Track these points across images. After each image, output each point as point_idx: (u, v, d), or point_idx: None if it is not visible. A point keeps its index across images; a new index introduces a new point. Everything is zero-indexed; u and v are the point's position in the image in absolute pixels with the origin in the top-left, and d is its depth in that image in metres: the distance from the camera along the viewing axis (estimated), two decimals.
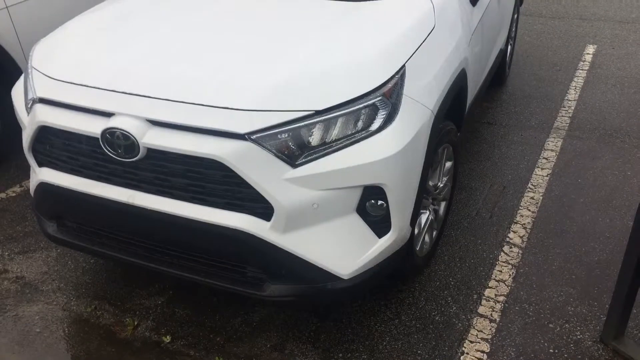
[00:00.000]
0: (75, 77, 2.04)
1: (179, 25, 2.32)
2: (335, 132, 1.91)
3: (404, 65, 2.09)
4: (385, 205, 2.02)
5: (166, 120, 1.86)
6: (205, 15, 2.41)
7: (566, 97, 4.45)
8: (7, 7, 3.41)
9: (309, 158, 1.88)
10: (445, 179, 2.65)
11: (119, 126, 1.86)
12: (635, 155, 3.60)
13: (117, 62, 2.07)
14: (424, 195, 2.36)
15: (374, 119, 1.96)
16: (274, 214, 1.87)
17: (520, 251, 2.79)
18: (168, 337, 2.32)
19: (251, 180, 1.82)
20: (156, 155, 1.89)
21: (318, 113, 1.88)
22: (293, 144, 1.87)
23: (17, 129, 2.36)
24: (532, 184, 3.34)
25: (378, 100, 1.96)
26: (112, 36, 2.26)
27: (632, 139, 3.81)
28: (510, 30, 4.36)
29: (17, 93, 2.33)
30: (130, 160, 1.90)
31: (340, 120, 1.91)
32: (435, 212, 2.68)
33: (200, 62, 2.02)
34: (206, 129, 1.83)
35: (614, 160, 3.56)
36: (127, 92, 1.94)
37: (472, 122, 3.95)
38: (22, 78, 2.38)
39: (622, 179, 3.36)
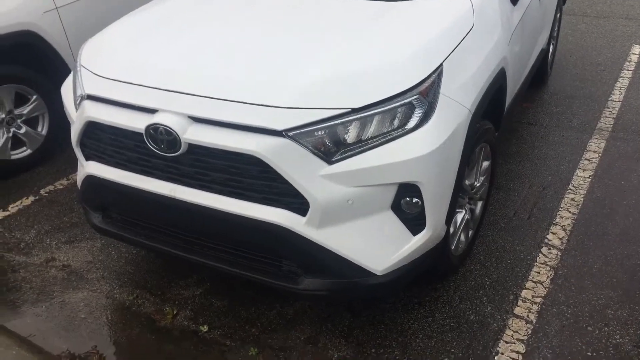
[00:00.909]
0: (121, 75, 2.13)
1: (219, 26, 2.39)
2: (371, 130, 1.93)
3: (441, 64, 2.09)
4: (420, 203, 2.03)
5: (206, 116, 1.92)
6: (244, 15, 2.47)
7: (610, 98, 4.32)
8: (56, 7, 3.56)
9: (345, 155, 1.90)
10: (482, 178, 2.63)
11: (162, 122, 1.93)
12: None
13: (161, 61, 2.15)
14: (460, 194, 2.35)
15: (411, 117, 1.97)
16: (310, 209, 1.90)
17: (559, 253, 2.74)
18: (205, 326, 2.38)
19: (288, 175, 1.86)
20: (197, 150, 1.95)
21: (354, 111, 1.90)
22: (329, 141, 1.90)
23: (64, 124, 2.47)
24: (573, 186, 3.27)
25: (414, 99, 1.97)
26: (156, 36, 2.34)
27: None
28: (552, 29, 4.27)
29: (67, 90, 2.44)
30: (172, 155, 1.97)
31: (376, 118, 1.93)
32: (472, 211, 2.66)
33: (239, 61, 2.08)
34: (245, 125, 1.88)
35: None
36: (170, 89, 2.01)
37: (511, 122, 3.89)
38: (71, 75, 2.49)
39: None
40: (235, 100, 1.92)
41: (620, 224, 2.92)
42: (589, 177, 3.34)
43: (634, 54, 5.17)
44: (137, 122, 2.00)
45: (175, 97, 1.99)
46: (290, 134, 1.86)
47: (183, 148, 1.95)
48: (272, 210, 1.93)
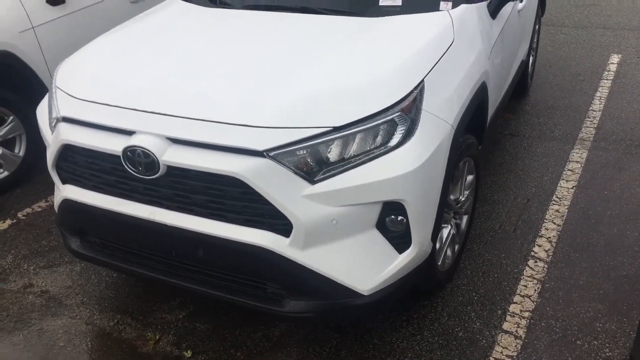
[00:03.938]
0: (98, 96, 2.09)
1: (198, 45, 2.36)
2: (353, 148, 1.90)
3: (422, 80, 2.08)
4: (405, 220, 2.00)
5: (185, 137, 1.88)
6: (223, 35, 2.45)
7: (591, 108, 4.37)
8: (33, 27, 3.51)
9: (328, 174, 1.88)
10: (467, 192, 2.62)
11: (140, 144, 1.89)
12: None
13: (138, 81, 2.11)
14: (445, 210, 2.33)
15: (393, 134, 1.95)
16: (293, 231, 1.87)
17: (546, 265, 2.73)
18: (189, 351, 2.32)
19: (270, 197, 1.82)
20: (176, 172, 1.91)
21: (336, 129, 1.88)
22: (311, 161, 1.87)
23: (43, 145, 2.41)
24: (557, 197, 3.27)
25: (397, 116, 1.95)
26: (134, 56, 2.31)
27: None
28: (532, 41, 4.31)
29: (42, 111, 2.39)
30: (151, 177, 1.93)
31: (358, 136, 1.91)
32: (457, 226, 2.64)
33: (219, 80, 2.05)
34: (225, 146, 1.84)
35: None
36: (148, 110, 1.97)
37: (494, 133, 3.90)
38: (46, 97, 2.43)
39: None
40: (215, 120, 1.89)
41: (605, 235, 2.92)
42: (572, 188, 3.35)
43: (612, 63, 5.24)
44: (114, 145, 1.96)
45: (153, 118, 1.95)
46: (272, 154, 1.83)
47: (162, 170, 1.90)
48: (254, 232, 1.89)
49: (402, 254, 2.05)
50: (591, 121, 4.16)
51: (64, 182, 2.20)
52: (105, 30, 2.73)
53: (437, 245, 2.36)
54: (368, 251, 2.00)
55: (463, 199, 2.59)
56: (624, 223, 3.01)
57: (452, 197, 2.46)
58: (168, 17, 2.76)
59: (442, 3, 2.58)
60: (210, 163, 1.84)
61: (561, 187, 3.37)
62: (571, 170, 3.53)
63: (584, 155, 3.70)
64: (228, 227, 1.91)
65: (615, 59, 5.34)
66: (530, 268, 2.71)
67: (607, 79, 4.89)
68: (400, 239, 2.04)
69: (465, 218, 2.70)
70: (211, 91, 2.00)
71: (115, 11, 3.91)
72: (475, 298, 2.54)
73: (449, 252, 2.55)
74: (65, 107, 2.14)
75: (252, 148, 1.83)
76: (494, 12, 2.82)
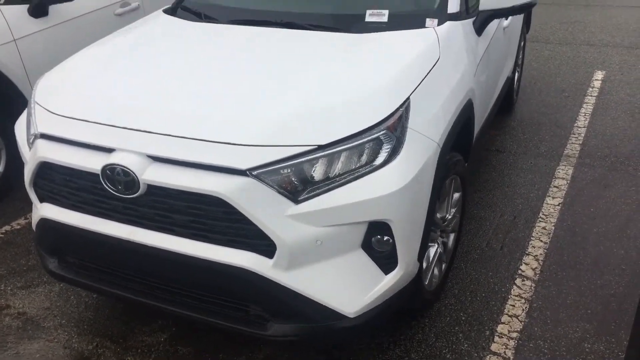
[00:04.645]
0: (77, 112, 2.04)
1: (180, 60, 2.32)
2: (338, 167, 1.87)
3: (408, 98, 2.06)
4: (391, 240, 1.97)
5: (167, 155, 1.84)
6: (207, 50, 2.42)
7: (576, 124, 4.39)
8: (14, 39, 3.45)
9: (312, 194, 1.84)
10: (453, 210, 2.59)
11: (119, 162, 1.84)
12: None
13: (119, 97, 2.07)
14: (431, 228, 2.30)
15: (378, 153, 1.92)
16: (277, 251, 1.82)
17: (533, 284, 2.70)
18: None
19: (253, 217, 1.78)
20: (156, 191, 1.86)
21: (321, 148, 1.85)
22: (296, 180, 1.83)
23: (22, 161, 2.35)
24: (543, 214, 3.27)
25: (382, 134, 1.93)
26: (114, 71, 2.26)
27: None
28: (517, 57, 4.34)
29: (20, 127, 2.33)
30: (131, 196, 1.87)
31: (343, 155, 1.87)
32: (444, 244, 2.61)
33: (201, 98, 2.01)
34: (207, 164, 1.80)
35: (627, 189, 3.48)
36: (128, 127, 1.92)
37: (480, 150, 3.90)
38: (25, 112, 2.38)
39: (636, 208, 3.28)
40: (197, 138, 1.85)
41: (592, 253, 2.91)
42: (558, 205, 3.34)
43: (596, 79, 5.30)
44: (93, 163, 1.90)
45: (134, 135, 1.90)
46: (255, 173, 1.79)
47: (142, 189, 1.85)
48: (237, 253, 1.84)
49: (388, 275, 2.01)
50: (576, 137, 4.18)
51: (41, 200, 2.14)
52: (89, 42, 2.69)
53: (424, 265, 2.33)
54: (354, 272, 1.96)
55: (450, 217, 2.56)
56: (610, 241, 3.00)
57: (438, 215, 2.43)
58: (152, 31, 2.72)
59: (428, 20, 2.57)
60: (192, 182, 1.80)
61: (547, 204, 3.36)
62: (557, 187, 3.53)
63: (570, 171, 3.71)
64: (210, 247, 1.86)
65: (599, 75, 5.40)
66: (518, 287, 2.69)
67: (591, 96, 4.93)
68: (386, 260, 2.00)
69: (452, 236, 2.67)
70: (194, 108, 1.96)
71: (99, 24, 3.87)
72: (463, 318, 2.50)
73: (436, 271, 2.52)
74: (43, 124, 2.08)
75: (234, 167, 1.78)
76: (479, 29, 2.82)
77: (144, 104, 2.01)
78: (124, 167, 1.83)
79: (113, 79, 2.21)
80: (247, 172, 1.78)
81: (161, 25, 2.75)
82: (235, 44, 2.47)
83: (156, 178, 1.83)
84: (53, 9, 3.61)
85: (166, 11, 2.97)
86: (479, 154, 3.89)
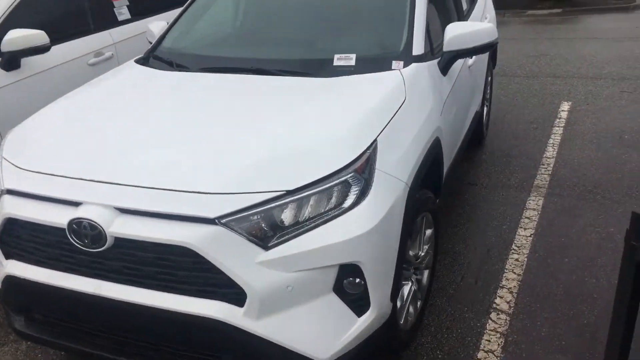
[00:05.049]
0: (44, 166, 2.03)
1: (150, 110, 2.35)
2: (308, 211, 1.89)
3: (375, 140, 2.11)
4: (362, 282, 1.98)
5: (134, 207, 1.84)
6: (178, 98, 2.45)
7: (545, 155, 4.50)
8: None
9: (282, 239, 1.85)
10: (426, 247, 2.62)
11: (85, 216, 1.83)
12: (616, 211, 3.60)
13: (87, 149, 2.08)
14: (404, 267, 2.32)
15: (347, 195, 1.95)
16: (247, 300, 1.81)
17: (508, 317, 2.72)
18: None
19: (222, 265, 1.78)
20: (124, 243, 1.85)
21: (290, 193, 1.87)
22: (265, 226, 1.84)
23: None
24: (516, 245, 3.31)
25: (350, 177, 1.96)
26: (84, 123, 2.28)
27: (612, 194, 3.83)
28: (485, 92, 4.46)
29: None
30: (97, 250, 1.86)
31: (312, 199, 1.90)
32: (419, 281, 2.62)
33: (170, 147, 2.03)
34: (175, 214, 1.80)
35: (596, 217, 3.56)
36: (95, 179, 1.92)
37: (453, 183, 3.96)
38: None
39: (606, 236, 3.35)
40: (165, 188, 1.85)
41: (564, 283, 2.95)
42: (530, 236, 3.39)
43: (563, 110, 5.46)
44: (59, 217, 1.89)
45: (101, 187, 1.90)
46: (224, 221, 1.80)
47: (109, 242, 1.84)
48: (207, 303, 1.83)
49: (361, 317, 2.01)
50: (545, 168, 4.28)
51: (7, 257, 2.10)
52: (63, 93, 2.70)
53: (399, 304, 2.33)
54: (326, 316, 1.95)
55: (423, 254, 2.59)
56: (581, 270, 3.05)
57: (411, 253, 2.45)
58: (122, 82, 2.76)
59: (394, 62, 2.65)
60: (160, 233, 1.80)
61: (519, 235, 3.41)
62: (528, 218, 3.60)
63: (540, 202, 3.78)
64: (179, 299, 1.84)
65: (565, 106, 5.57)
66: (493, 321, 2.70)
67: (559, 126, 5.07)
68: (359, 302, 2.00)
69: (426, 273, 2.69)
70: (162, 158, 1.97)
71: (72, 74, 3.87)
72: (440, 356, 2.50)
73: (411, 310, 2.53)
74: (10, 179, 2.07)
75: (203, 216, 1.79)
76: (444, 69, 2.91)
77: (112, 155, 2.02)
78: (91, 220, 1.82)
79: (81, 132, 2.21)
80: (216, 221, 1.79)
81: (131, 76, 2.79)
82: (205, 91, 2.51)
83: (123, 230, 1.82)
84: (25, 61, 3.61)
85: (138, 61, 3.01)
86: (453, 187, 3.95)
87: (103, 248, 1.85)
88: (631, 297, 1.86)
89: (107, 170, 1.95)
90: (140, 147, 2.05)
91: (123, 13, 4.39)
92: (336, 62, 2.66)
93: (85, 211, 1.85)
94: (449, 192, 3.84)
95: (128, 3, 4.46)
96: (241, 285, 1.80)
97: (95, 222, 1.82)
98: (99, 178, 1.92)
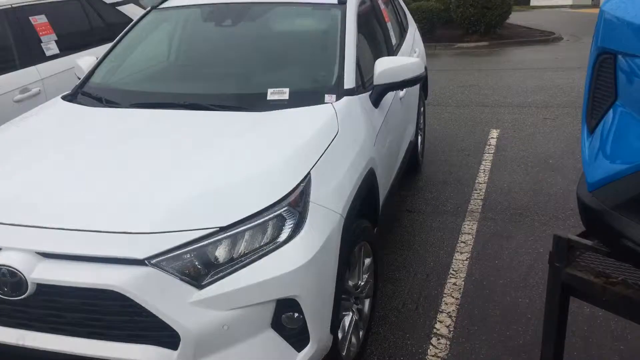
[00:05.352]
0: None
1: (77, 148, 2.28)
2: (242, 247, 1.87)
3: (309, 173, 2.13)
4: (301, 316, 1.96)
5: (57, 251, 1.76)
6: (106, 136, 2.39)
7: (477, 180, 4.69)
8: None
9: (217, 277, 1.82)
10: (366, 276, 2.64)
11: (4, 262, 1.73)
12: (544, 232, 3.78)
13: (7, 192, 1.98)
14: (344, 297, 2.32)
15: (282, 229, 1.94)
16: (181, 342, 1.76)
17: (448, 342, 2.76)
18: None
19: (153, 308, 1.72)
20: (47, 290, 1.76)
21: (223, 229, 1.85)
22: (198, 264, 1.80)
23: None
24: (453, 270, 3.40)
25: (284, 211, 1.96)
26: (3, 164, 2.17)
27: (541, 216, 4.02)
28: (418, 122, 4.62)
29: None
30: (18, 298, 1.75)
31: (247, 234, 1.88)
32: (360, 311, 2.63)
33: (93, 188, 1.96)
34: (102, 257, 1.74)
35: (526, 239, 3.71)
36: (16, 223, 1.83)
37: (392, 211, 4.04)
38: None
39: (536, 257, 3.50)
40: (90, 229, 1.79)
41: (500, 304, 3.04)
42: (466, 260, 3.50)
43: (492, 137, 5.73)
44: None
45: (21, 231, 1.81)
46: (154, 261, 1.75)
47: (30, 289, 1.74)
48: (138, 349, 1.76)
49: (301, 352, 1.99)
50: (478, 193, 4.45)
51: None
52: None
53: (340, 335, 2.32)
54: (265, 354, 1.92)
55: (363, 283, 2.60)
56: (515, 291, 3.16)
57: (350, 283, 2.46)
58: (47, 119, 2.66)
59: (326, 96, 2.71)
60: (86, 277, 1.72)
61: (456, 259, 3.51)
62: (464, 242, 3.71)
63: (475, 226, 3.92)
64: (109, 345, 1.76)
65: (494, 133, 5.85)
66: (434, 346, 2.74)
67: (489, 153, 5.31)
68: (298, 337, 1.98)
69: (367, 302, 2.70)
70: (88, 198, 1.91)
71: None
72: None
73: (353, 340, 2.52)
74: None
75: (131, 257, 1.74)
76: (376, 101, 2.99)
77: (35, 197, 1.93)
78: (10, 267, 1.73)
79: (2, 172, 2.11)
80: (146, 262, 1.74)
81: (57, 113, 2.70)
82: (135, 128, 2.46)
83: (46, 276, 1.73)
84: None
85: (65, 97, 2.92)
86: (392, 215, 4.03)
87: (24, 296, 1.75)
88: (559, 316, 1.95)
89: (29, 213, 1.85)
90: (65, 188, 1.97)
91: (51, 48, 4.27)
92: (270, 96, 2.68)
93: (3, 257, 1.75)
94: (389, 220, 3.91)
95: (56, 38, 4.35)
96: (174, 327, 1.74)
97: (15, 269, 1.72)
98: (20, 221, 1.83)
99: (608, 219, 1.31)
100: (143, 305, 1.71)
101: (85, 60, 3.22)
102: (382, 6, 4.03)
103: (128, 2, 5.17)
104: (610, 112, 1.32)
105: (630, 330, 2.70)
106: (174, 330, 1.75)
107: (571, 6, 24.06)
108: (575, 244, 1.73)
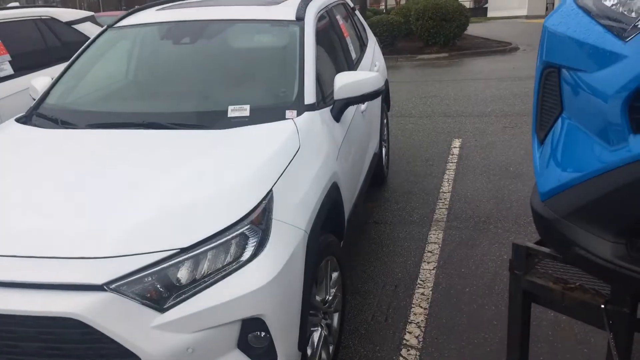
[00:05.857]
0: None
1: (30, 172, 2.21)
2: (205, 268, 1.84)
3: (270, 190, 2.11)
4: (267, 335, 1.94)
5: (10, 279, 1.70)
6: (61, 158, 2.33)
7: (441, 190, 4.76)
8: None
9: (179, 299, 1.78)
10: (333, 290, 2.63)
11: None
12: (508, 239, 3.85)
13: None
14: (312, 313, 2.31)
15: (245, 248, 1.92)
16: None
17: (418, 353, 2.77)
18: None
19: (114, 334, 1.67)
20: (2, 320, 1.69)
21: (184, 250, 1.82)
22: (160, 287, 1.77)
23: None
24: (421, 279, 3.42)
25: (247, 229, 1.94)
26: None
27: (504, 223, 4.10)
28: (381, 134, 4.67)
29: None
30: None
31: (209, 254, 1.85)
32: (329, 326, 2.61)
33: (48, 212, 1.91)
34: (58, 284, 1.68)
35: (490, 246, 3.78)
36: None
37: (359, 223, 4.05)
38: None
39: (500, 264, 3.56)
40: (45, 256, 1.74)
41: (467, 312, 3.07)
42: (433, 269, 3.53)
43: (454, 147, 5.84)
44: None
45: None
46: (113, 286, 1.70)
47: None
48: None
49: None
50: (443, 202, 4.51)
51: None
52: None
53: (309, 352, 2.31)
54: None
55: (330, 297, 2.59)
56: (481, 298, 3.20)
57: (318, 298, 2.45)
58: (0, 143, 2.57)
59: (287, 112, 2.71)
60: (42, 305, 1.66)
61: (424, 269, 3.54)
62: (430, 252, 3.75)
63: (440, 235, 3.97)
64: None
65: (457, 143, 5.97)
66: (404, 357, 2.74)
67: (452, 162, 5.41)
68: (265, 356, 1.96)
69: (336, 316, 2.69)
70: (42, 224, 1.85)
71: None
72: None
73: (323, 355, 2.50)
74: None
75: (89, 283, 1.69)
76: (337, 116, 3.01)
77: None
78: None
79: None
80: (105, 287, 1.69)
81: (11, 136, 2.63)
82: (91, 149, 2.41)
83: (0, 305, 1.66)
84: None
85: (19, 119, 2.84)
86: (359, 227, 4.04)
87: None
88: (522, 323, 1.98)
89: None
90: (18, 213, 1.91)
91: (5, 69, 4.17)
92: (230, 114, 2.66)
93: None
94: (356, 232, 3.92)
95: (10, 58, 4.24)
96: (136, 352, 1.70)
97: None
98: None
99: (559, 227, 1.35)
100: (103, 331, 1.66)
101: (40, 80, 3.14)
102: (341, 21, 4.08)
103: (85, 21, 5.09)
104: (558, 123, 1.36)
105: (593, 333, 2.76)
106: (136, 356, 1.70)
107: (526, 17, 24.96)
108: (534, 251, 1.77)
